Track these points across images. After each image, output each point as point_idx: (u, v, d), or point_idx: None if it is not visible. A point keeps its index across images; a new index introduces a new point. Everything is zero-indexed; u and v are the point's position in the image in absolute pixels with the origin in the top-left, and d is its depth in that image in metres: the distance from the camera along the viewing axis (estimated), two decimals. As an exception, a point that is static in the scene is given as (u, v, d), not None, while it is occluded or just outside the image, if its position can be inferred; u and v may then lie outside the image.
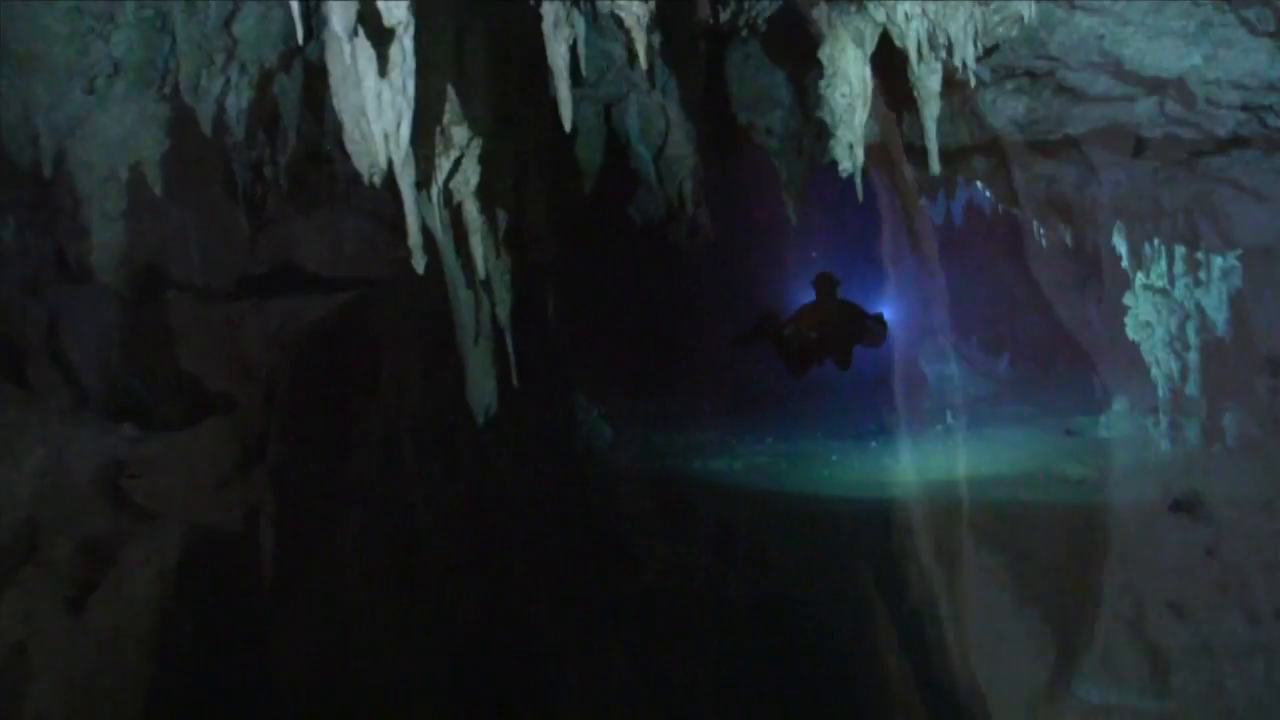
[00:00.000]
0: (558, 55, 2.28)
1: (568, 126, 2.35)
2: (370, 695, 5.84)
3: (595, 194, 5.78)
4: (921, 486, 10.89)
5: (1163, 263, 10.03)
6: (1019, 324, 21.10)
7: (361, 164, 2.48)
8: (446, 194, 2.69)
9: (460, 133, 2.56)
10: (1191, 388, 10.44)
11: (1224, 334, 10.15)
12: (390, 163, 2.56)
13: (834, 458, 13.31)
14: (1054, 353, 18.63)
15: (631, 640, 6.58)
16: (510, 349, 3.42)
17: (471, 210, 2.71)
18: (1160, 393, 10.66)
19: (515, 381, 3.46)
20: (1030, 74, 4.75)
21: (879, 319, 6.17)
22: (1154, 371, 10.64)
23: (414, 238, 2.62)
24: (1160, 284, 10.22)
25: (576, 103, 4.52)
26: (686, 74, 4.09)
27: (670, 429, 15.31)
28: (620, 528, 8.93)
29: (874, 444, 14.21)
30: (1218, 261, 9.54)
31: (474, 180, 2.65)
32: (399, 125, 2.33)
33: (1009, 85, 4.99)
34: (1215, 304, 10.02)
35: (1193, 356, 10.30)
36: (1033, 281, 21.48)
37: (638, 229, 6.50)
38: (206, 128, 3.93)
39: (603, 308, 16.85)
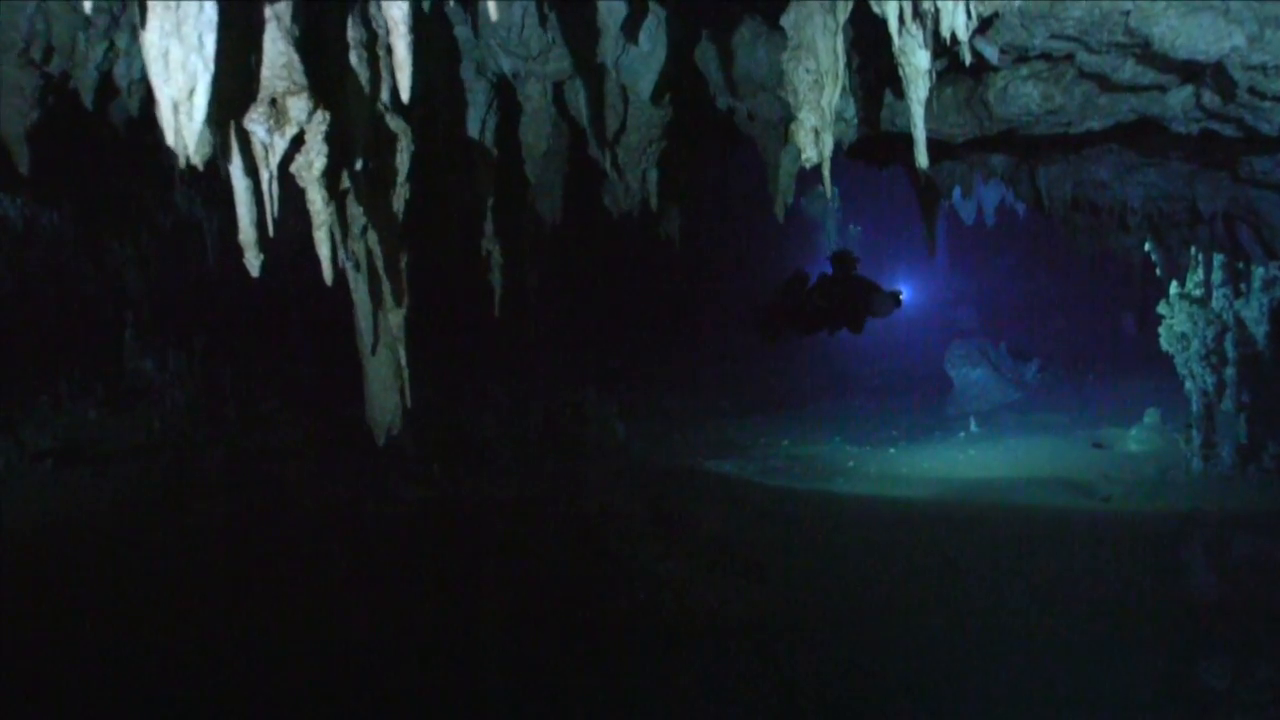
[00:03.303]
0: (393, 4, 1.76)
1: (405, 96, 1.83)
2: (346, 694, 5.72)
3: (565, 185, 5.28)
4: (940, 495, 10.53)
5: (1200, 271, 9.63)
6: (1049, 330, 20.55)
7: (173, 143, 1.97)
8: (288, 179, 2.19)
9: (298, 104, 2.04)
10: (1228, 404, 9.95)
11: (1264, 348, 9.75)
12: (220, 140, 2.06)
13: (850, 463, 13.02)
14: (1084, 362, 18.11)
15: (617, 661, 6.26)
16: (404, 362, 2.92)
17: (317, 200, 2.20)
18: (1194, 408, 10.25)
19: (407, 403, 2.96)
20: (1046, 57, 4.19)
21: (894, 294, 6.23)
22: (1188, 385, 10.26)
23: (244, 233, 2.12)
24: (1197, 294, 9.80)
25: (523, 78, 4.00)
26: (625, 45, 3.55)
27: (686, 427, 15.08)
28: (614, 540, 8.61)
29: (892, 450, 13.90)
30: (1259, 271, 9.08)
31: (319, 164, 2.14)
32: (192, 93, 1.81)
33: (1022, 70, 4.43)
34: (1256, 316, 9.64)
35: (1230, 371, 9.82)
36: (1063, 286, 20.95)
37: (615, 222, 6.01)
38: (87, 100, 3.46)
39: (612, 302, 16.52)
